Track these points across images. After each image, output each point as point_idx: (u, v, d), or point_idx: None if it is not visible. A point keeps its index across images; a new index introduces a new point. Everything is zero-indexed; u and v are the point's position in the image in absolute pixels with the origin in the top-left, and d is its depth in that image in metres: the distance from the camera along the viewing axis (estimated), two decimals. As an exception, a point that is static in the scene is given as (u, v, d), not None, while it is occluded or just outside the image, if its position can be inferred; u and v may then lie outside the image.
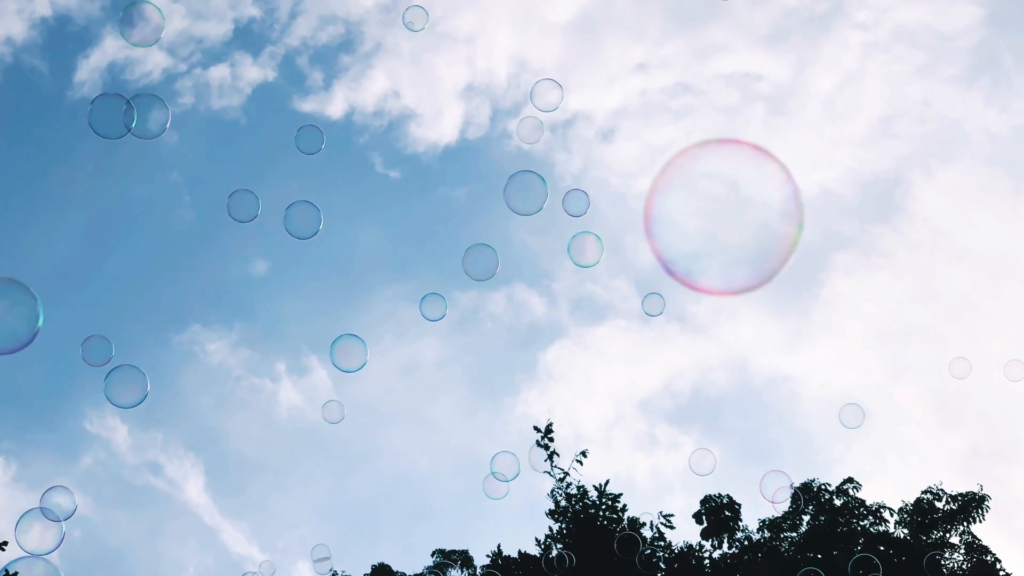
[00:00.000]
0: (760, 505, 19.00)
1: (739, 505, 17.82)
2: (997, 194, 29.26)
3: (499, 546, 18.25)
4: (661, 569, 17.08)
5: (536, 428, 17.80)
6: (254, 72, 28.93)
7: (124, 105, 9.88)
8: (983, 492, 17.00)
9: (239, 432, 29.03)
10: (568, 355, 29.82)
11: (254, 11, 28.61)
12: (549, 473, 17.71)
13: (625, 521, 17.44)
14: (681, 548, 17.43)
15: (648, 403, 29.77)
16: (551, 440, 17.74)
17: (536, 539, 17.83)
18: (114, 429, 27.51)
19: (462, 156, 30.25)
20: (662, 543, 17.28)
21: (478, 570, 18.94)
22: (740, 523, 17.72)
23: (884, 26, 29.34)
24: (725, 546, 17.59)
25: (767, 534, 17.55)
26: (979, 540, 16.67)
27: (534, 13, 30.25)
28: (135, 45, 9.75)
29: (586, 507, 17.54)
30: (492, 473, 13.51)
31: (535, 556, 17.61)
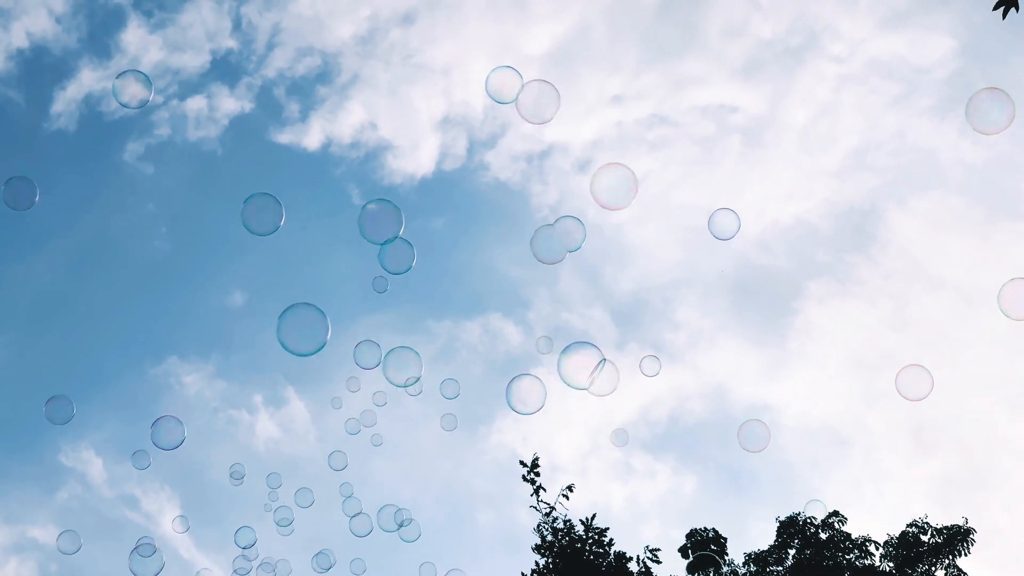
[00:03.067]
0: (745, 539, 19.10)
1: (725, 539, 17.88)
2: (971, 222, 29.71)
3: (485, 581, 18.22)
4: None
5: (522, 463, 17.80)
6: (231, 103, 28.93)
7: None
8: (968, 525, 17.17)
9: (216, 464, 28.76)
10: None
11: (231, 43, 28.62)
12: (535, 508, 17.70)
13: (611, 555, 17.43)
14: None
15: (624, 432, 29.77)
16: (537, 475, 17.74)
17: (522, 573, 17.80)
18: (89, 462, 27.22)
19: (439, 187, 30.33)
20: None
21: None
22: (726, 557, 17.77)
23: (858, 58, 29.78)
24: (711, 580, 17.63)
25: (753, 568, 17.61)
26: (965, 573, 16.82)
27: (511, 45, 30.46)
28: None
29: (572, 541, 17.52)
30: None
31: (522, 592, 17.58)
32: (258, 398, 28.94)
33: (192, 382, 28.25)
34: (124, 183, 29.13)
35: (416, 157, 30.05)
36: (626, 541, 18.57)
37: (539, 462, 17.65)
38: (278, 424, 27.95)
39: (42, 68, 28.08)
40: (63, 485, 27.09)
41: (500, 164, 30.22)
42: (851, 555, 17.18)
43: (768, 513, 21.05)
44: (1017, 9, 8.13)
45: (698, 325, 31.21)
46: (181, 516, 16.91)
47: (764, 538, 19.27)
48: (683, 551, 17.91)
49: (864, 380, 29.82)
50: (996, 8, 8.07)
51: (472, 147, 29.54)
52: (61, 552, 15.59)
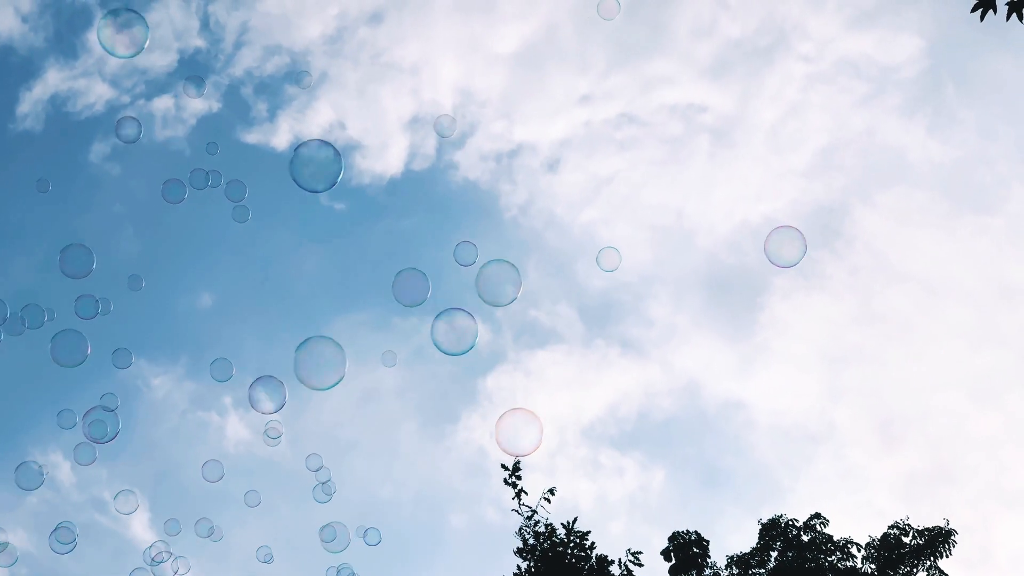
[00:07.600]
0: (720, 539, 19.05)
1: (707, 541, 17.82)
2: (936, 217, 29.86)
3: (467, 586, 18.11)
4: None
5: (503, 466, 17.65)
6: (198, 103, 28.60)
7: None
8: (949, 527, 17.20)
9: (186, 467, 28.53)
10: (509, 381, 29.82)
11: (199, 42, 28.38)
12: (517, 511, 17.59)
13: (593, 559, 17.35)
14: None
15: (592, 429, 29.83)
16: (519, 478, 17.61)
17: (504, 578, 17.70)
18: (57, 466, 26.91)
19: (408, 188, 30.14)
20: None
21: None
22: (709, 560, 17.72)
23: (827, 58, 29.85)
24: (694, 583, 17.57)
25: (735, 571, 17.58)
26: (946, 575, 16.86)
27: (479, 44, 30.37)
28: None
29: (554, 545, 17.43)
30: None
31: (503, 596, 17.48)
32: (228, 399, 28.71)
33: (160, 384, 28.02)
34: (90, 184, 28.84)
35: (385, 157, 29.89)
36: (596, 539, 18.52)
37: (520, 465, 17.55)
38: (248, 425, 27.73)
39: (8, 68, 27.79)
40: (33, 489, 26.77)
41: (469, 163, 30.11)
42: (833, 557, 17.19)
43: (740, 511, 21.02)
44: (995, 11, 8.08)
45: (668, 322, 31.25)
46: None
47: (738, 536, 19.28)
48: (665, 554, 17.84)
49: (830, 375, 29.98)
50: (974, 10, 8.01)
51: (441, 146, 29.42)
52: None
